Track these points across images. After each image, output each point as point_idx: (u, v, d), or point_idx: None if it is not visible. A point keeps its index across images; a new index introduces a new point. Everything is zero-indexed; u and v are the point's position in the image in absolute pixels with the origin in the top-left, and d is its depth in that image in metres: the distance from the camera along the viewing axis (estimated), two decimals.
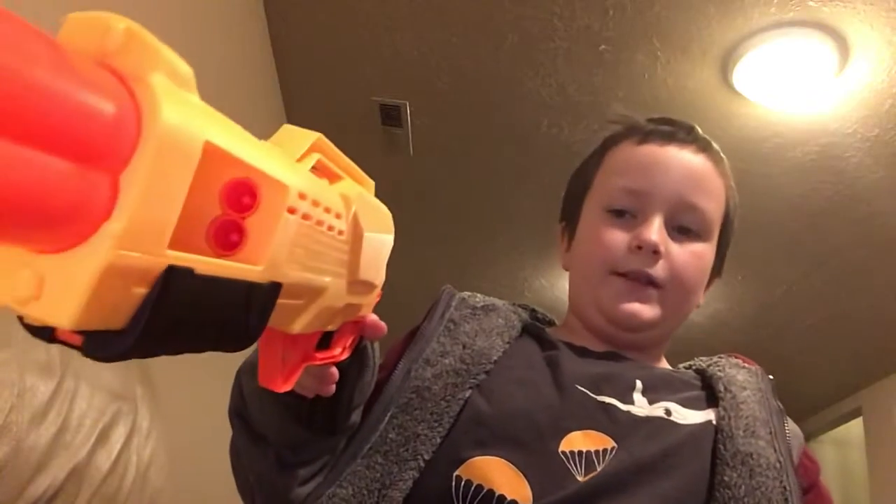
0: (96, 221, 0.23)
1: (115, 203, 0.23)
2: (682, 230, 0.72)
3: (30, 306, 0.23)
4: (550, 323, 0.84)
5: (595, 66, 2.02)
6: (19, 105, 0.20)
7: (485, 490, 0.57)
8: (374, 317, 0.48)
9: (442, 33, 2.00)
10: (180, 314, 0.26)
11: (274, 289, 0.31)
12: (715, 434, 0.63)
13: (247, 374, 0.57)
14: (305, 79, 2.25)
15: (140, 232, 0.23)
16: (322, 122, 2.43)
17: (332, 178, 0.40)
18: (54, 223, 0.22)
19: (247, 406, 0.57)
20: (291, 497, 0.58)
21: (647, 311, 0.71)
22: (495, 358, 0.67)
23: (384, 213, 0.45)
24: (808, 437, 4.04)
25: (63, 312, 0.22)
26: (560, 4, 1.84)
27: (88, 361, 0.58)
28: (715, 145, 0.77)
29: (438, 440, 0.60)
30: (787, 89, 1.98)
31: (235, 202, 0.29)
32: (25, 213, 0.21)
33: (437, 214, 2.74)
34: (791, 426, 0.67)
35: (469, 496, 0.57)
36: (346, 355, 0.47)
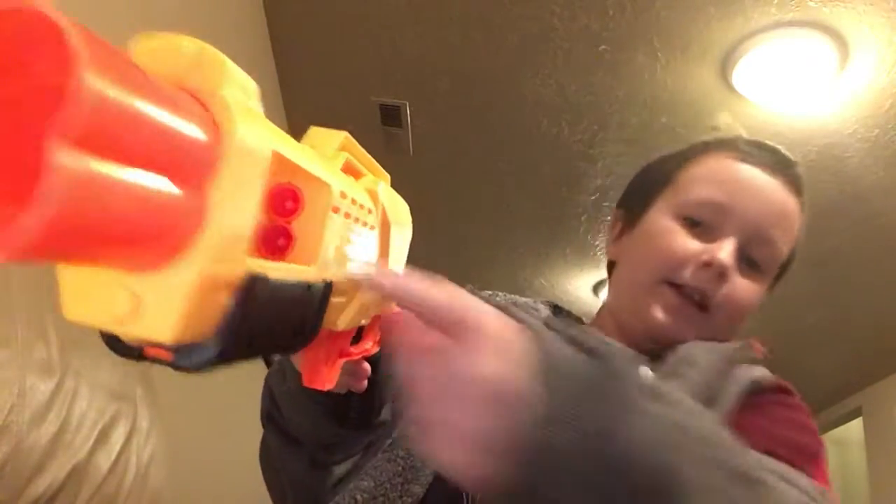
0: (186, 235, 0.23)
1: (204, 216, 0.24)
2: (749, 262, 0.69)
3: (128, 325, 0.24)
4: (577, 319, 0.81)
5: (595, 66, 2.02)
6: (131, 130, 0.21)
7: None
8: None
9: (442, 33, 1.99)
10: (258, 318, 0.27)
11: (328, 287, 0.32)
12: None
13: (276, 378, 0.57)
14: (305, 79, 2.25)
15: (227, 242, 0.24)
16: (322, 122, 2.41)
17: (357, 174, 0.41)
18: (154, 239, 0.23)
19: (279, 409, 0.57)
20: (324, 495, 0.58)
21: (689, 332, 0.67)
22: None
23: (403, 205, 0.46)
24: None
25: (163, 328, 0.23)
26: (560, 4, 1.84)
27: (88, 362, 0.58)
28: (804, 189, 0.73)
29: None
30: (787, 89, 1.98)
31: (280, 207, 0.30)
32: (134, 230, 0.22)
33: (436, 214, 2.74)
34: (749, 373, 0.63)
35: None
36: (377, 348, 0.47)
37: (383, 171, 0.45)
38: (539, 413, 0.30)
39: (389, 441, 0.61)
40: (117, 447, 0.58)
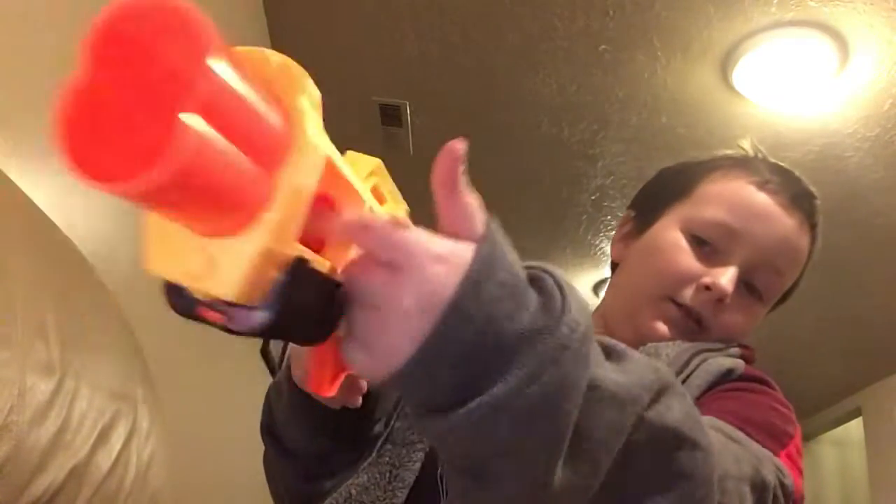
0: (256, 211, 0.28)
1: (272, 198, 0.28)
2: (750, 287, 0.69)
3: (201, 281, 0.28)
4: None
5: (595, 66, 2.02)
6: (237, 111, 0.26)
7: None
8: None
9: (442, 33, 2.00)
10: (297, 297, 0.30)
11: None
12: None
13: (274, 393, 0.59)
14: None
15: (285, 224, 0.29)
16: (322, 121, 2.43)
17: (382, 200, 0.45)
18: (234, 209, 0.28)
19: (276, 423, 0.58)
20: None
21: (678, 343, 0.68)
22: None
23: None
24: (808, 437, 4.04)
25: (229, 286, 0.28)
26: (560, 4, 1.84)
27: (88, 362, 0.58)
28: (820, 221, 0.75)
29: None
30: (788, 89, 1.98)
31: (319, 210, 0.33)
32: (224, 196, 0.27)
33: (436, 214, 2.73)
34: (719, 363, 0.63)
35: None
36: None
37: (403, 201, 0.48)
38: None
39: (381, 441, 0.62)
40: (117, 447, 0.58)
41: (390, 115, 2.30)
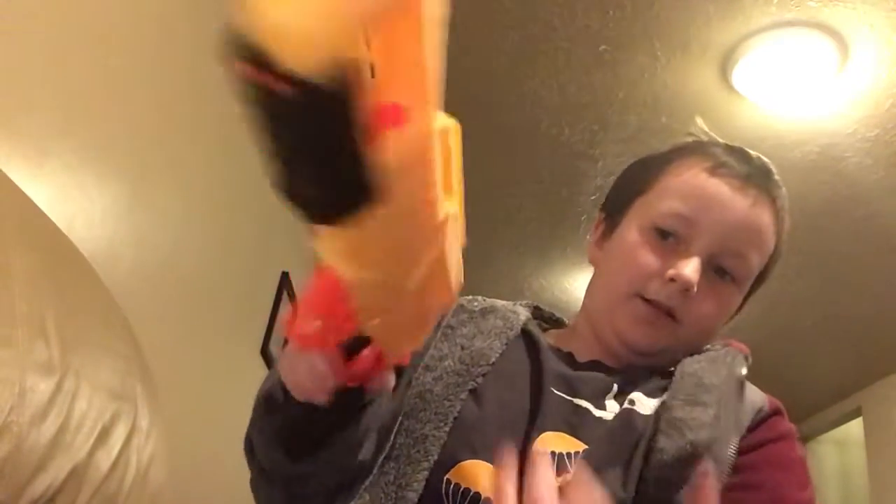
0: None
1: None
2: (720, 271, 0.70)
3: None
4: (558, 321, 0.83)
5: (595, 66, 2.02)
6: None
7: (472, 493, 0.59)
8: None
9: (442, 33, 1.99)
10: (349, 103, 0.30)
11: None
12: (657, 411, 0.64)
13: (254, 411, 0.60)
14: None
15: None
16: None
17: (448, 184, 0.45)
18: None
19: (252, 440, 0.60)
20: None
21: (660, 339, 0.70)
22: (493, 360, 0.68)
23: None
24: (808, 437, 4.04)
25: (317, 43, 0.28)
26: (560, 4, 1.84)
27: (88, 361, 0.58)
28: (783, 192, 0.73)
29: (445, 438, 0.62)
30: (788, 89, 1.98)
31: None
32: None
33: None
34: (751, 396, 0.67)
35: (458, 499, 0.59)
36: (376, 374, 0.49)
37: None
38: None
39: (383, 457, 0.62)
40: (117, 447, 0.58)
41: None
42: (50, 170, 1.02)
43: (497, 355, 0.69)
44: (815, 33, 1.79)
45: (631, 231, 0.73)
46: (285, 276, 2.70)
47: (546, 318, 0.82)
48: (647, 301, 0.69)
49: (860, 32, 1.78)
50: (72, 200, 1.08)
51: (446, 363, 0.68)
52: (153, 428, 0.65)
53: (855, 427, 3.71)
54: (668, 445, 0.59)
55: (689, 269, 0.67)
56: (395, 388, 0.66)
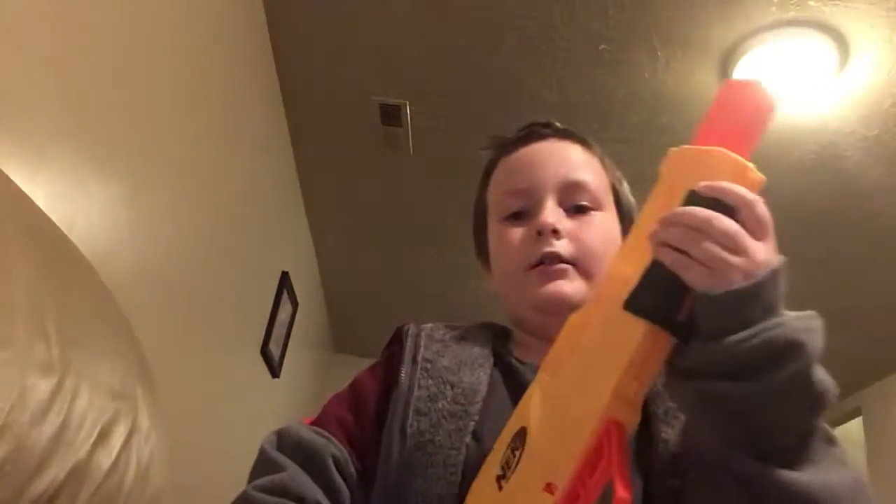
0: None
1: None
2: (578, 209, 0.76)
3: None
4: (508, 333, 0.82)
5: (595, 66, 2.02)
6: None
7: None
8: None
9: (442, 33, 2.00)
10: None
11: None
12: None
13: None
14: (305, 79, 2.25)
15: None
16: (322, 122, 2.43)
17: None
18: None
19: None
20: None
21: (568, 286, 0.72)
22: (484, 394, 0.67)
23: None
24: None
25: None
26: (560, 4, 1.85)
27: (89, 361, 0.58)
28: (576, 133, 0.83)
29: (457, 490, 0.60)
30: (788, 88, 1.98)
31: None
32: None
33: (436, 214, 2.74)
34: None
35: None
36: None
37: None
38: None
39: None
40: (118, 447, 0.58)
41: (390, 115, 2.30)
42: (50, 170, 1.02)
43: (485, 389, 0.68)
44: (815, 33, 1.79)
45: (494, 236, 0.81)
46: (285, 276, 2.70)
47: (499, 333, 0.81)
48: (536, 265, 0.73)
49: (860, 32, 1.78)
50: (72, 200, 1.08)
51: (439, 404, 0.66)
52: (153, 428, 0.65)
53: (854, 427, 3.71)
54: (672, 435, 0.60)
55: (544, 215, 0.73)
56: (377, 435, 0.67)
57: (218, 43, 1.72)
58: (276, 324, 2.59)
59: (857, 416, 3.64)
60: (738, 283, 0.49)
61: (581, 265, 0.72)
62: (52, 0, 1.03)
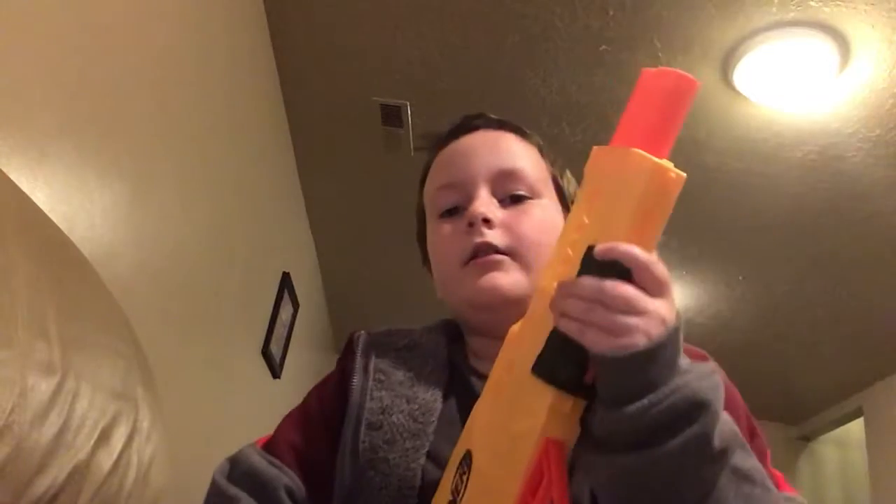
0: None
1: None
2: (514, 198, 0.73)
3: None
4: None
5: (595, 66, 2.02)
6: None
7: None
8: None
9: (442, 33, 1.99)
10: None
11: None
12: None
13: None
14: (305, 79, 2.25)
15: None
16: (322, 122, 2.43)
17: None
18: None
19: None
20: None
21: (504, 278, 0.69)
22: (439, 412, 0.66)
23: None
24: (809, 437, 4.04)
25: None
26: (560, 4, 1.84)
27: (89, 362, 0.58)
28: (511, 122, 0.81)
29: None
30: (788, 89, 1.98)
31: None
32: None
33: None
34: None
35: None
36: None
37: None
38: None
39: None
40: (118, 447, 0.58)
41: (390, 115, 2.30)
42: (50, 170, 1.02)
43: (440, 407, 0.66)
44: (816, 33, 1.79)
45: (429, 235, 0.78)
46: (285, 276, 2.70)
47: (455, 337, 0.79)
48: (472, 258, 0.70)
49: (861, 32, 1.78)
50: (72, 200, 1.08)
51: (394, 418, 0.65)
52: (154, 428, 0.65)
53: (856, 427, 3.70)
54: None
55: (475, 206, 0.70)
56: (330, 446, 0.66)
57: (219, 43, 1.72)
58: (278, 324, 2.58)
59: (859, 416, 3.64)
60: (641, 343, 0.47)
61: (517, 255, 0.69)
62: (53, 0, 1.03)
